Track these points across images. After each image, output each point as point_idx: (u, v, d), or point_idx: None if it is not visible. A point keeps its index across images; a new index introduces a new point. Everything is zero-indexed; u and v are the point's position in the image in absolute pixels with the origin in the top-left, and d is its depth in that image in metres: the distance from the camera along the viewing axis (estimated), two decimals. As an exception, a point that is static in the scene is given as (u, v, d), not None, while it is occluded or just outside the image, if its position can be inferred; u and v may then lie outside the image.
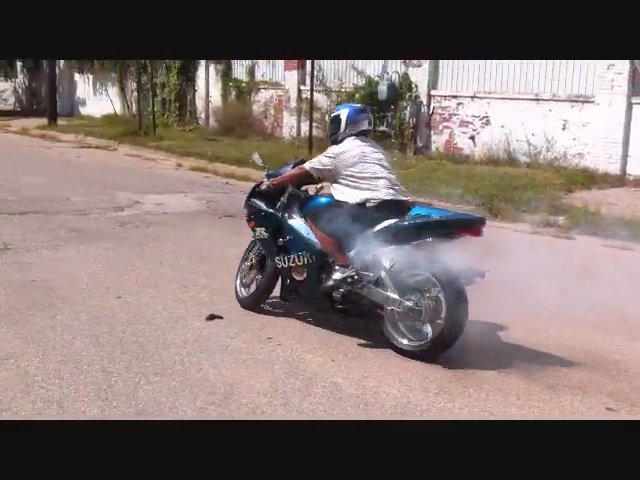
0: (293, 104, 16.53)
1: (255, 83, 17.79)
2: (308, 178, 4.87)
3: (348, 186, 4.52)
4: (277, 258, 4.71)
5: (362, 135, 4.74)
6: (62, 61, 25.78)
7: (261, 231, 4.90)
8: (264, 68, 17.64)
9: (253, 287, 4.95)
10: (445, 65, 13.34)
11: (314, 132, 13.90)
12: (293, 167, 4.96)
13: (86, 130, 18.98)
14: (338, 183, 4.59)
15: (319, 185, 5.04)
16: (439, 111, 13.48)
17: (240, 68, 18.31)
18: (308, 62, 15.18)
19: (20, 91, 29.71)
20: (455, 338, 3.98)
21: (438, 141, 13.48)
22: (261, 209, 4.94)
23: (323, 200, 4.75)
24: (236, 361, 4.01)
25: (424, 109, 13.61)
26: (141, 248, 6.49)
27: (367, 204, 4.40)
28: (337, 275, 4.32)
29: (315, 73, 14.30)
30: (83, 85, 25.34)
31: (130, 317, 4.64)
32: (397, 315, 4.13)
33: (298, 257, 4.58)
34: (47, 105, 22.31)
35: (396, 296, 4.09)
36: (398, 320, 4.16)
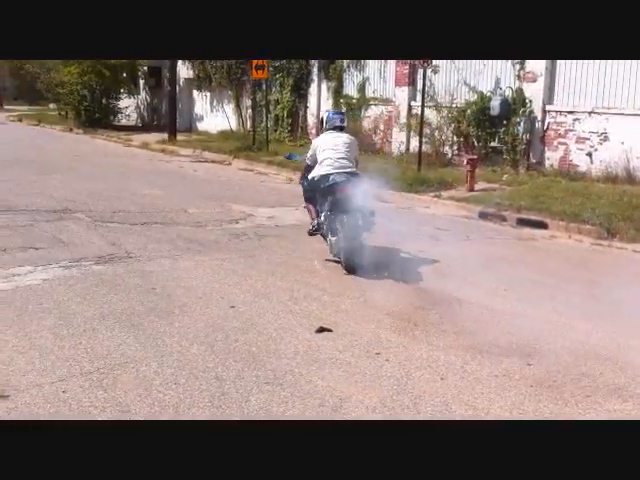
0: (403, 120, 16.53)
1: (365, 99, 17.94)
2: (312, 165, 6.93)
3: (317, 165, 6.75)
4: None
5: (335, 129, 6.89)
6: (182, 79, 27.06)
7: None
8: (375, 85, 17.77)
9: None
10: (561, 80, 12.94)
11: (424, 148, 13.83)
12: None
13: (203, 145, 19.78)
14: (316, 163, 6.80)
15: None
16: (554, 127, 13.07)
17: (351, 85, 18.53)
18: (419, 78, 15.15)
19: (142, 107, 31.40)
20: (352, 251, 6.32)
21: (552, 158, 13.06)
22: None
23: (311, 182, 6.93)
24: (345, 375, 4.04)
25: (538, 125, 13.24)
26: (254, 260, 6.68)
27: (317, 177, 6.64)
28: (311, 224, 7.03)
29: (426, 89, 14.23)
30: (201, 102, 26.45)
31: (243, 326, 4.79)
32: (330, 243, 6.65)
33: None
34: (167, 121, 23.39)
35: (329, 235, 6.66)
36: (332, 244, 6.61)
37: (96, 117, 27.41)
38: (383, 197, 11.25)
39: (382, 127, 17.46)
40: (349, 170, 6.54)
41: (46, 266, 6.00)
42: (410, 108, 16.44)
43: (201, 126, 26.27)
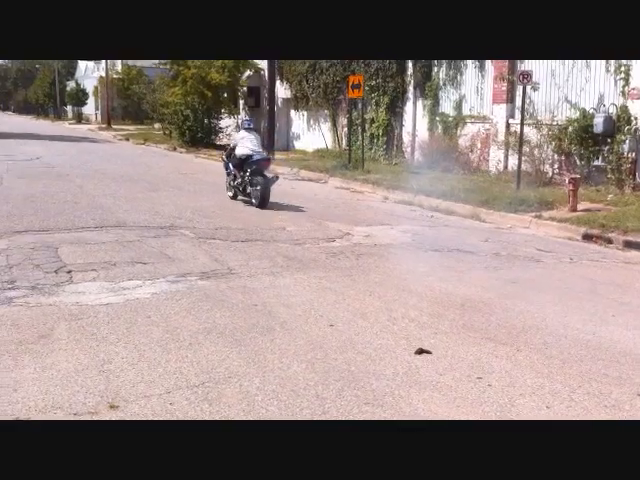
0: (501, 138, 16.21)
1: (462, 117, 17.74)
2: (233, 148, 12.45)
3: (239, 148, 11.95)
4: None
5: (248, 129, 12.34)
6: (280, 99, 27.69)
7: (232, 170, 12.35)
8: (471, 102, 17.56)
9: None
10: (673, 95, 12.34)
11: (522, 166, 13.50)
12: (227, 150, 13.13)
13: (300, 164, 20.14)
14: (238, 147, 12.05)
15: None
16: (663, 145, 12.47)
17: (447, 102, 18.38)
18: (518, 95, 14.85)
19: (241, 127, 32.39)
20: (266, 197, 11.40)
21: (662, 177, 12.46)
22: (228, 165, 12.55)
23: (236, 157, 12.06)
24: (445, 398, 3.99)
25: (646, 143, 12.68)
26: (351, 279, 6.72)
27: (241, 156, 11.82)
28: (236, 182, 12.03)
29: (525, 106, 13.91)
30: (298, 121, 26.95)
31: (342, 345, 4.82)
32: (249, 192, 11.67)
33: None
34: (266, 140, 23.85)
35: (249, 188, 11.61)
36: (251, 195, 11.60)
37: (198, 136, 28.43)
38: (481, 217, 11.09)
39: (479, 145, 17.20)
40: (263, 153, 12.50)
41: (153, 280, 6.26)
42: (508, 126, 16.12)
43: (298, 144, 26.77)
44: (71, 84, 63.26)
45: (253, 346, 4.75)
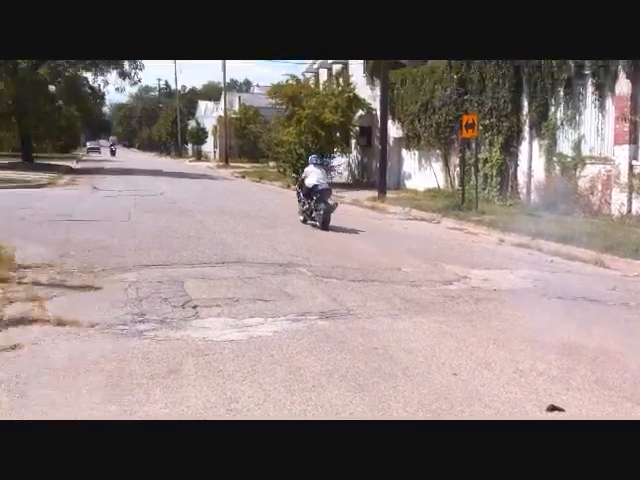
0: (624, 180, 15.49)
1: (581, 158, 17.11)
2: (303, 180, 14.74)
3: (307, 179, 14.34)
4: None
5: (315, 164, 14.91)
6: (392, 138, 27.82)
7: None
8: (591, 143, 16.92)
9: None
10: None
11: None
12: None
13: (412, 203, 20.04)
14: (307, 179, 14.37)
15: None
16: None
17: (565, 143, 17.80)
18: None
19: (353, 165, 32.73)
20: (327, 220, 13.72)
21: None
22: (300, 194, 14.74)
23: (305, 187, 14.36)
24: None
25: None
26: (472, 325, 6.55)
27: (309, 186, 14.12)
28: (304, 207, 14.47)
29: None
30: (409, 160, 26.93)
31: (468, 396, 4.67)
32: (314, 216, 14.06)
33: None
34: (377, 179, 23.96)
35: (314, 212, 13.99)
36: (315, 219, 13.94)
37: (310, 174, 29.04)
38: (605, 263, 10.56)
39: (600, 187, 16.49)
40: (325, 184, 14.39)
41: (275, 318, 6.35)
42: (631, 167, 15.39)
43: (409, 184, 26.70)
44: (192, 123, 66.61)
45: (376, 392, 4.69)
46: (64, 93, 34.15)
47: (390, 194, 22.69)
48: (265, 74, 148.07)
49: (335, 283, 8.13)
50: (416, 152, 26.19)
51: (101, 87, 36.98)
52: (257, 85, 75.66)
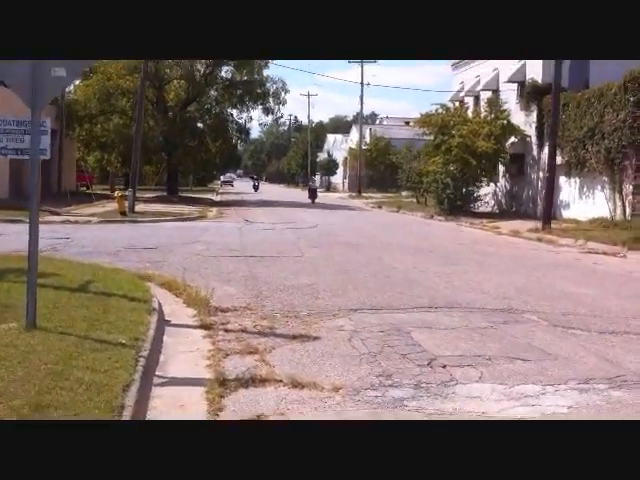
0: None
1: None
2: None
3: None
4: None
5: None
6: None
7: None
8: None
9: None
10: None
11: None
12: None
13: (585, 235, 18.23)
14: None
15: None
16: None
17: None
18: None
19: (500, 194, 30.98)
20: None
21: None
22: None
23: None
24: None
25: None
26: None
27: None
28: None
29: None
30: (568, 189, 24.92)
31: None
32: None
33: None
34: (527, 208, 21.96)
35: None
36: None
37: (457, 204, 27.64)
38: None
39: None
40: None
41: (554, 386, 5.11)
42: None
43: (566, 213, 24.66)
44: (323, 155, 67.00)
45: None
46: (211, 129, 34.83)
47: (552, 224, 20.88)
48: (388, 108, 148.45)
49: (584, 336, 6.78)
50: (577, 180, 24.20)
51: (245, 123, 37.61)
52: (387, 117, 75.27)
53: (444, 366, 5.54)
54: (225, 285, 9.06)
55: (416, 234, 19.39)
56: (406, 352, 5.91)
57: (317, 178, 71.78)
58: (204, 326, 6.90)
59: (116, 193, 22.04)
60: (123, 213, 21.01)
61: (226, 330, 6.77)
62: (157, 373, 5.38)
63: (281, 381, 5.16)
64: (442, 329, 6.84)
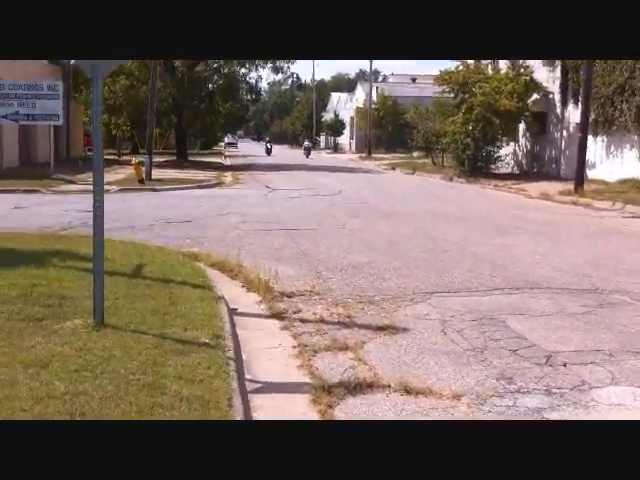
0: None
1: None
2: None
3: None
4: None
5: None
6: (573, 124, 25.19)
7: None
8: None
9: None
10: None
11: None
12: None
13: (621, 197, 17.62)
14: None
15: None
16: None
17: None
18: None
19: (520, 155, 30.20)
20: None
21: None
22: None
23: None
24: None
25: None
26: None
27: None
28: None
29: None
30: (594, 148, 24.17)
31: None
32: None
33: None
34: (550, 168, 21.37)
35: None
36: None
37: (478, 165, 26.92)
38: None
39: None
40: None
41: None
42: None
43: (592, 174, 23.93)
44: (328, 115, 65.73)
45: None
46: (221, 90, 33.80)
47: (570, 185, 20.17)
48: (391, 64, 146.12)
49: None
50: (604, 138, 23.44)
51: (256, 83, 36.60)
52: (392, 74, 73.73)
53: (564, 364, 4.98)
54: (278, 264, 8.45)
55: (447, 199, 18.77)
56: (514, 347, 5.34)
57: (322, 138, 70.64)
58: (275, 315, 6.34)
59: (133, 159, 21.27)
60: (141, 181, 20.31)
61: (302, 320, 6.21)
62: (247, 377, 4.83)
63: (389, 386, 4.60)
64: (537, 316, 6.26)
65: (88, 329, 5.14)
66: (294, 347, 5.45)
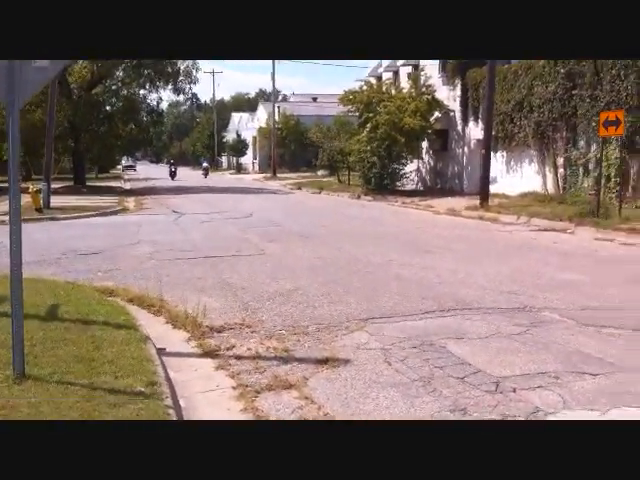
0: None
1: None
2: None
3: None
4: None
5: None
6: (473, 140, 26.06)
7: None
8: None
9: None
10: None
11: None
12: None
13: (525, 211, 18.27)
14: None
15: None
16: None
17: None
18: None
19: (424, 171, 30.94)
20: None
21: None
22: None
23: None
24: None
25: None
26: None
27: None
28: None
29: None
30: (495, 164, 25.07)
31: None
32: None
33: None
34: (453, 184, 21.80)
35: None
36: None
37: (384, 183, 27.31)
38: None
39: None
40: None
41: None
42: None
43: (494, 188, 24.73)
44: (230, 135, 65.14)
45: None
46: (121, 112, 32.73)
47: (476, 201, 20.82)
48: (284, 83, 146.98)
49: (624, 336, 6.34)
50: (504, 154, 24.37)
51: (158, 104, 35.68)
52: (293, 93, 74.18)
53: (514, 390, 4.92)
54: (201, 295, 8.08)
55: (361, 218, 18.85)
56: (461, 374, 5.24)
57: (224, 159, 69.88)
58: (208, 354, 5.97)
59: (31, 187, 20.09)
60: (39, 210, 19.23)
61: (237, 357, 5.88)
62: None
63: (342, 426, 4.36)
64: (475, 339, 6.21)
65: (8, 382, 4.62)
66: (234, 388, 5.12)
